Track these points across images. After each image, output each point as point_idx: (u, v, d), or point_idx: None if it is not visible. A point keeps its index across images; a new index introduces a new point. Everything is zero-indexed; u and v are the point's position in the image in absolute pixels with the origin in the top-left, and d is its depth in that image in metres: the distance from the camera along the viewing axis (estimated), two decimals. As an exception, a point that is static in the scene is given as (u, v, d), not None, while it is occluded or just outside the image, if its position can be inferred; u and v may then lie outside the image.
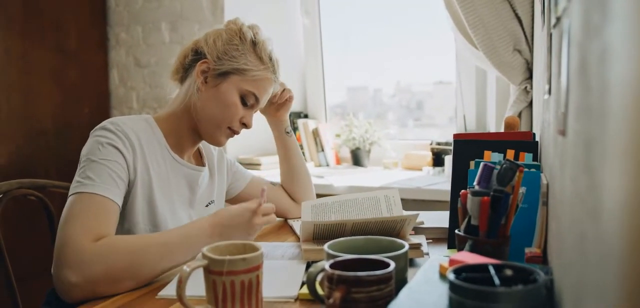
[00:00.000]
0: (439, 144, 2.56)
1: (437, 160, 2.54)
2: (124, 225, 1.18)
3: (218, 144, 1.34)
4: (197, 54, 1.31)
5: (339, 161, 2.89)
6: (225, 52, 1.27)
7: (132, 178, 1.16)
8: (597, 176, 0.42)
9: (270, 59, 1.32)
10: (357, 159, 2.76)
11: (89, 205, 1.06)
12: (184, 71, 1.34)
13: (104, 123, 1.18)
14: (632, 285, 0.31)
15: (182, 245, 1.07)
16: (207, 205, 1.38)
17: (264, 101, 1.35)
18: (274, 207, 1.20)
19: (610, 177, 0.36)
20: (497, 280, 0.71)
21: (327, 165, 2.79)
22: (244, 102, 1.30)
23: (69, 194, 1.09)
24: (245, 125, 1.33)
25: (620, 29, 0.34)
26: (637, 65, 0.29)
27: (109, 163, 1.11)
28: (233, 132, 1.32)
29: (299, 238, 1.33)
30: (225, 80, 1.27)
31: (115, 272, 1.00)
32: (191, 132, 1.31)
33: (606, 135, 0.38)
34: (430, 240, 1.32)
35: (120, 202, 1.12)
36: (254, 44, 1.30)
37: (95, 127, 1.18)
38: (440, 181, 2.25)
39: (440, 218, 1.44)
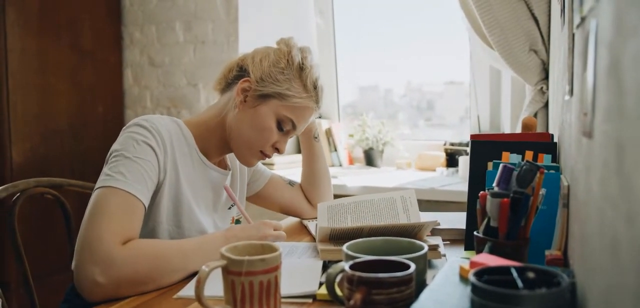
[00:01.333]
0: (452, 144, 2.55)
1: (451, 161, 2.52)
2: (149, 224, 1.17)
3: (248, 164, 1.33)
4: (241, 70, 1.29)
5: (352, 161, 2.88)
6: (269, 74, 1.24)
7: (161, 179, 1.15)
8: (631, 180, 0.41)
9: (315, 87, 1.28)
10: (370, 159, 2.75)
11: (119, 203, 1.04)
12: (226, 84, 1.32)
13: (138, 120, 1.17)
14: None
15: (198, 254, 1.07)
16: (229, 207, 1.38)
17: (301, 129, 1.31)
18: (285, 235, 1.22)
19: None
20: (520, 283, 0.70)
21: (340, 165, 2.79)
22: (280, 127, 1.27)
23: (98, 186, 1.07)
24: (278, 151, 1.31)
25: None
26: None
27: (142, 162, 1.10)
28: (264, 156, 1.30)
29: (314, 239, 1.33)
30: (265, 103, 1.24)
31: (141, 276, 1.00)
32: (221, 143, 1.30)
33: (641, 137, 0.37)
34: (447, 242, 1.31)
35: (147, 203, 1.11)
36: (301, 69, 1.26)
37: (128, 124, 1.17)
38: (454, 182, 2.24)
39: (456, 220, 1.43)
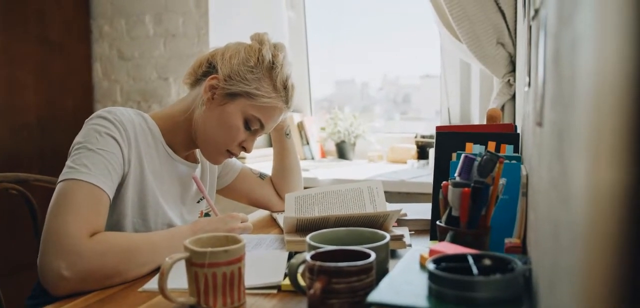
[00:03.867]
0: (423, 136, 2.58)
1: (422, 153, 2.55)
2: (113, 216, 1.16)
3: (214, 162, 1.32)
4: (211, 66, 1.27)
5: (324, 154, 2.89)
6: (238, 73, 1.22)
7: (126, 171, 1.14)
8: (567, 163, 0.42)
9: (285, 87, 1.26)
10: (342, 152, 2.77)
11: (84, 195, 1.03)
12: (195, 79, 1.30)
13: (101, 112, 1.15)
14: (597, 266, 0.31)
15: (167, 247, 1.06)
16: (198, 201, 1.37)
17: (269, 128, 1.30)
18: (252, 227, 1.22)
19: (578, 163, 0.36)
20: (475, 270, 0.71)
21: (312, 158, 2.80)
22: (247, 126, 1.26)
23: (61, 179, 1.06)
24: (245, 149, 1.30)
25: (588, 15, 0.34)
26: (601, 53, 0.30)
27: (106, 154, 1.08)
28: (231, 154, 1.29)
29: (282, 231, 1.34)
30: (233, 101, 1.23)
31: (108, 270, 0.99)
32: (189, 138, 1.28)
33: (574, 122, 0.38)
34: (413, 232, 1.33)
35: (112, 195, 1.09)
36: (272, 68, 1.25)
37: (91, 116, 1.15)
38: (425, 174, 2.27)
39: (423, 210, 1.45)
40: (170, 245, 1.07)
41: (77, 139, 1.12)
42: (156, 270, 1.05)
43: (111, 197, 1.09)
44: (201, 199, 1.37)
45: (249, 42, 1.30)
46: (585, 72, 0.34)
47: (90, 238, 1.00)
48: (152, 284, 0.99)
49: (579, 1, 0.38)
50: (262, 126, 1.27)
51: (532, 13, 0.83)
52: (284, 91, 1.26)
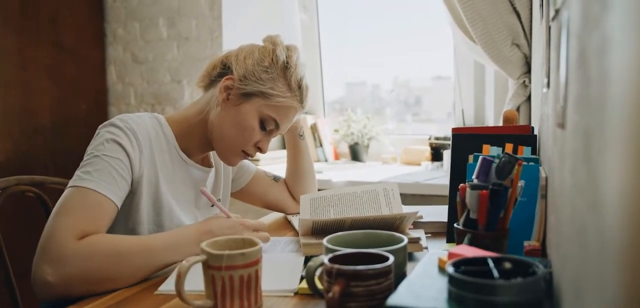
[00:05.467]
0: (437, 138, 2.56)
1: (436, 155, 2.54)
2: (128, 224, 1.15)
3: (229, 163, 1.31)
4: (225, 68, 1.26)
5: (337, 156, 2.89)
6: (253, 73, 1.22)
7: (137, 178, 1.13)
8: (596, 168, 0.42)
9: (299, 86, 1.26)
10: (355, 154, 2.76)
11: (81, 200, 1.02)
12: (209, 81, 1.29)
13: (113, 119, 1.15)
14: (632, 276, 0.31)
15: (167, 251, 1.05)
16: (212, 206, 1.36)
17: (284, 128, 1.29)
18: (268, 236, 1.18)
19: (610, 168, 0.36)
20: (496, 273, 0.71)
21: (326, 160, 2.79)
22: (262, 126, 1.25)
23: (67, 187, 1.06)
24: (260, 150, 1.29)
25: (619, 18, 0.34)
26: (636, 54, 0.29)
27: (112, 161, 1.08)
28: (247, 155, 1.28)
29: (297, 233, 1.33)
30: (248, 101, 1.22)
31: (94, 273, 0.97)
32: (203, 141, 1.28)
33: (605, 125, 0.38)
34: (429, 235, 1.32)
35: (118, 201, 1.08)
36: (286, 68, 1.24)
37: (104, 123, 1.15)
38: (439, 176, 2.26)
39: (439, 213, 1.44)
40: (171, 247, 1.05)
41: (88, 148, 1.12)
42: (172, 271, 1.05)
43: (118, 203, 1.08)
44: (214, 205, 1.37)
45: (262, 44, 1.30)
46: (618, 74, 0.33)
47: (77, 242, 0.98)
48: (169, 285, 0.99)
49: (607, 2, 0.38)
50: (277, 126, 1.26)
51: (552, 14, 0.82)
52: (299, 91, 1.26)
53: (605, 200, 0.37)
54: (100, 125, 1.15)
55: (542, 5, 1.11)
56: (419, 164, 2.57)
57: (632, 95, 0.30)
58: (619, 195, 0.33)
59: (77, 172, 1.08)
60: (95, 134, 1.14)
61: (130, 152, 1.11)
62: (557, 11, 0.75)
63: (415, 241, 1.12)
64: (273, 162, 2.56)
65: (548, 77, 0.94)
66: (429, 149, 2.58)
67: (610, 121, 0.36)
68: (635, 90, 0.29)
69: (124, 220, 1.14)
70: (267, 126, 1.26)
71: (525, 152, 1.20)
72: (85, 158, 1.10)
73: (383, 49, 3.04)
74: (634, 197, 0.30)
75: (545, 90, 0.99)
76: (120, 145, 1.11)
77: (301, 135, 1.55)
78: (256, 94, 1.22)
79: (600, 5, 0.40)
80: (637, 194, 0.29)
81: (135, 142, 1.13)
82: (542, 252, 0.96)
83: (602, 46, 0.40)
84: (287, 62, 1.25)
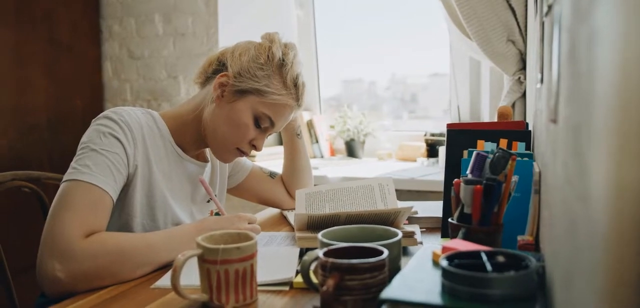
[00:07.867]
0: (433, 135, 2.57)
1: (431, 151, 2.55)
2: (121, 218, 1.16)
3: (224, 160, 1.31)
4: (221, 65, 1.27)
5: (333, 152, 2.89)
6: (248, 70, 1.22)
7: (131, 171, 1.13)
8: (585, 161, 0.42)
9: (295, 84, 1.26)
10: (351, 150, 2.77)
11: (84, 195, 1.03)
12: (205, 78, 1.29)
13: (107, 112, 1.14)
14: (619, 265, 0.31)
15: (165, 248, 1.06)
16: (208, 201, 1.36)
17: (280, 127, 1.29)
18: (260, 228, 1.20)
19: (598, 160, 0.36)
20: (489, 267, 0.71)
21: (322, 156, 2.80)
22: (257, 124, 1.25)
23: (64, 180, 1.06)
24: (255, 148, 1.29)
25: (606, 11, 0.34)
26: (622, 47, 0.30)
27: (109, 154, 1.08)
28: (241, 153, 1.28)
29: (293, 229, 1.34)
30: (242, 98, 1.22)
31: (101, 271, 0.99)
32: (198, 137, 1.28)
33: (593, 119, 0.38)
34: (424, 230, 1.33)
35: (115, 196, 1.09)
36: (282, 65, 1.24)
37: (98, 116, 1.15)
38: (434, 172, 2.26)
39: (434, 208, 1.44)
40: (170, 245, 1.06)
41: (83, 139, 1.12)
42: (168, 266, 1.05)
43: (114, 198, 1.09)
44: (211, 199, 1.37)
45: (259, 40, 1.30)
46: (604, 67, 0.34)
47: (84, 239, 0.99)
48: (165, 281, 1.00)
49: (597, -4, 0.38)
50: (272, 124, 1.26)
51: (545, 9, 0.83)
52: (294, 89, 1.26)
53: (594, 191, 0.38)
54: (95, 118, 1.15)
55: (536, 1, 1.11)
56: (415, 160, 2.58)
57: (616, 88, 0.31)
58: (606, 186, 0.33)
59: (75, 165, 1.07)
60: (91, 125, 1.14)
61: (126, 146, 1.12)
62: (550, 6, 0.76)
63: (409, 235, 1.13)
64: (270, 157, 2.56)
65: (541, 72, 0.94)
66: (424, 145, 2.58)
67: (598, 114, 0.36)
68: (619, 82, 0.30)
69: (118, 213, 1.15)
70: (262, 124, 1.25)
71: (519, 147, 1.20)
72: (80, 150, 1.10)
73: (380, 46, 3.04)
74: (620, 188, 0.30)
75: (539, 85, 1.00)
76: (117, 138, 1.11)
77: (298, 135, 1.55)
78: (251, 91, 1.22)
79: (589, -2, 0.41)
80: (621, 185, 0.29)
81: (130, 135, 1.13)
82: (535, 246, 0.97)
83: (590, 40, 0.40)
84: (283, 60, 1.24)
